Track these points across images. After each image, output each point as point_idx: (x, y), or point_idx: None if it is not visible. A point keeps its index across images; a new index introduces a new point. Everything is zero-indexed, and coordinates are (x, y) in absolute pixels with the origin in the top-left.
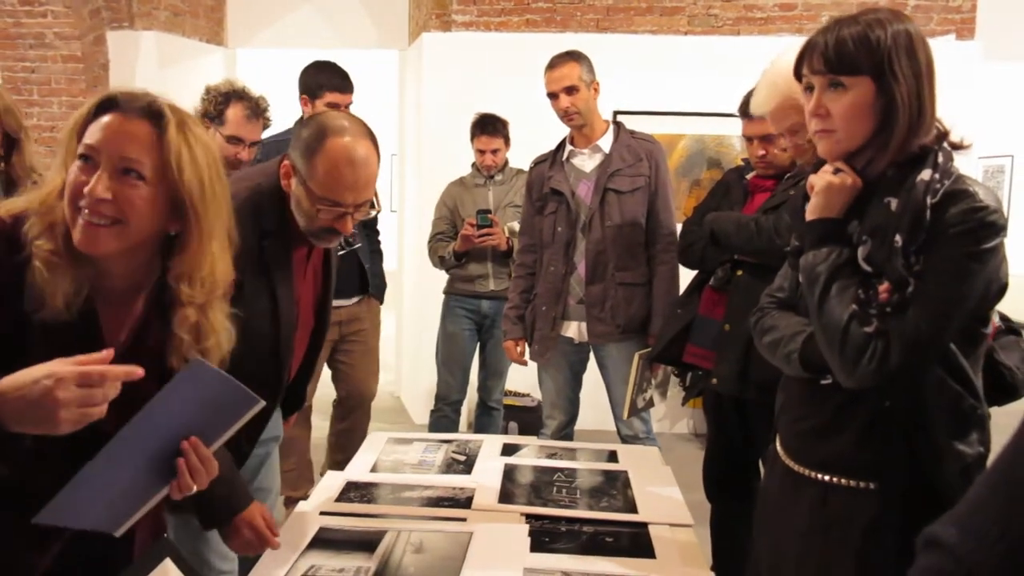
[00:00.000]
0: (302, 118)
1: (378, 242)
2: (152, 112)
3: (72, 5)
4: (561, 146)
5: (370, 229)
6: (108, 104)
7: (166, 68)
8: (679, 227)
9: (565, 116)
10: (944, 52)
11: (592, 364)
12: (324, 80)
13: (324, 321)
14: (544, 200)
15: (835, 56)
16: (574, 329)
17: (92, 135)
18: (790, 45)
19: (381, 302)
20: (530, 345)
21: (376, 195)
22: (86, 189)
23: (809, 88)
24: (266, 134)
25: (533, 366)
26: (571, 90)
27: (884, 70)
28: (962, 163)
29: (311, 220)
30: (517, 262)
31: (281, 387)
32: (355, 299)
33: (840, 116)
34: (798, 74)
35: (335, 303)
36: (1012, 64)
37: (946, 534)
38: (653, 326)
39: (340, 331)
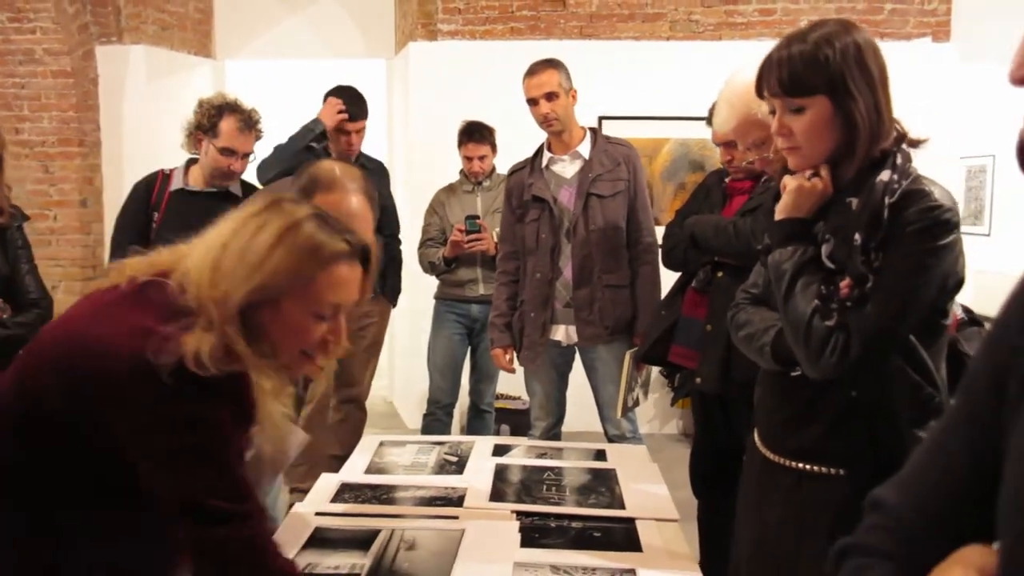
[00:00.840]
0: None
1: (399, 251)
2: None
3: (60, 21)
4: (539, 153)
5: (390, 237)
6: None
7: (155, 81)
8: (658, 229)
9: (544, 122)
10: (920, 55)
11: (577, 365)
12: (328, 93)
13: None
14: (525, 207)
15: (788, 80)
16: (561, 333)
17: (337, 294)
18: (742, 63)
19: (393, 305)
20: (518, 352)
21: (374, 241)
22: (331, 340)
23: (773, 110)
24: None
25: (522, 369)
26: (551, 96)
27: (838, 87)
28: (944, 164)
29: None
30: (500, 269)
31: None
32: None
33: (801, 134)
34: (760, 94)
35: None
36: (988, 65)
37: (887, 496)
38: (639, 326)
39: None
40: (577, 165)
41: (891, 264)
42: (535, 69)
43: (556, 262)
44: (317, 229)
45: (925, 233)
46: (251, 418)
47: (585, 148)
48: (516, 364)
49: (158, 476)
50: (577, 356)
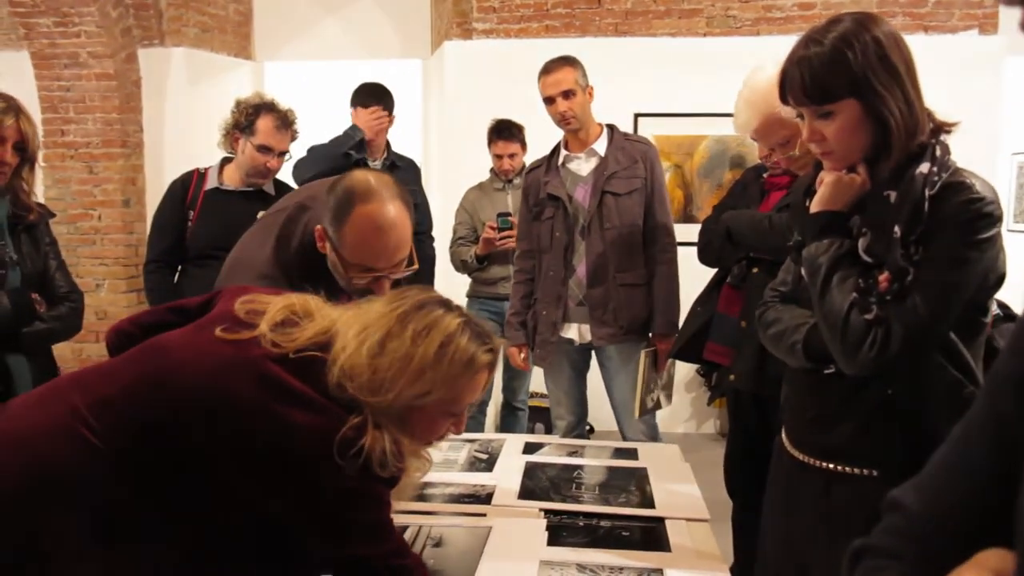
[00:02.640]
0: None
1: (432, 248)
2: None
3: (104, 25)
4: (556, 151)
5: (423, 234)
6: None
7: (196, 83)
8: (695, 227)
9: (562, 120)
10: (967, 48)
11: (595, 363)
12: (355, 98)
13: None
14: (541, 205)
15: (812, 88)
16: (575, 331)
17: (475, 397)
18: (774, 51)
19: None
20: (532, 350)
21: (413, 251)
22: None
23: (801, 115)
24: (296, 146)
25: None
26: (568, 94)
27: (863, 88)
28: (995, 160)
29: (347, 283)
30: (516, 268)
31: None
32: None
33: (833, 139)
34: (785, 100)
35: None
36: None
37: (904, 496)
38: (655, 326)
39: None
40: (593, 163)
41: (932, 257)
42: (551, 67)
43: (569, 260)
44: (470, 342)
45: (967, 226)
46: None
47: (601, 145)
48: (531, 362)
49: (325, 543)
50: (594, 356)
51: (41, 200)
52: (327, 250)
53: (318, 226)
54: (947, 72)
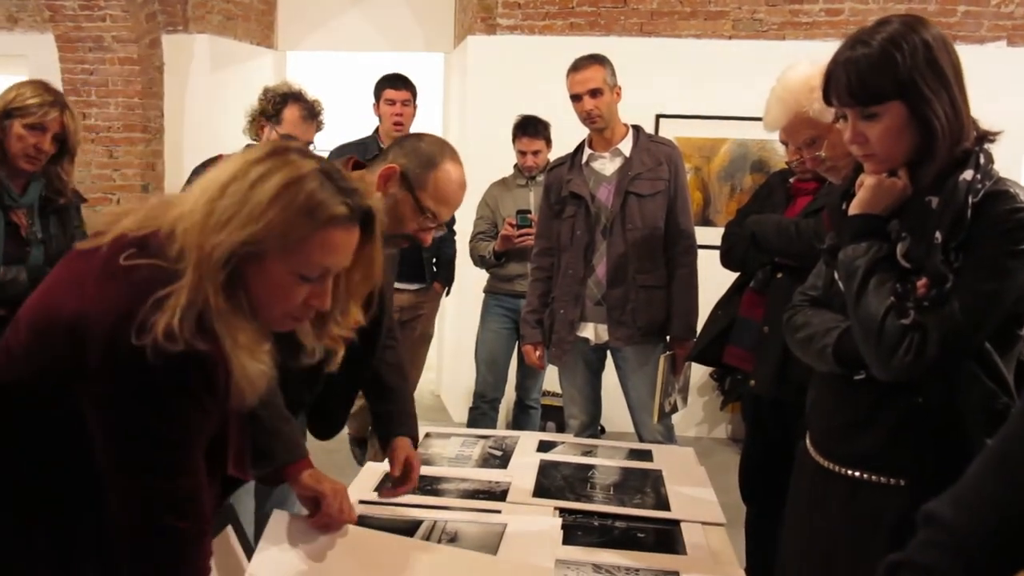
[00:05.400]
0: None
1: (454, 243)
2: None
3: (130, 9)
4: (580, 149)
5: (449, 229)
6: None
7: (218, 70)
8: (712, 230)
9: (588, 119)
10: (995, 59)
11: (610, 364)
12: (380, 85)
13: (369, 348)
14: (562, 204)
15: (858, 88)
16: (591, 331)
17: (326, 257)
18: (795, 60)
19: (446, 291)
20: (548, 348)
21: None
22: (315, 303)
23: (843, 115)
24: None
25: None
26: (595, 93)
27: (910, 91)
28: (1021, 171)
29: (399, 225)
30: (534, 265)
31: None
32: (416, 286)
33: (877, 142)
34: (828, 102)
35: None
36: None
37: (942, 510)
38: (672, 328)
39: (399, 317)
40: (617, 163)
41: (972, 265)
42: (580, 65)
43: (589, 260)
44: (319, 187)
45: (1009, 235)
46: (219, 402)
47: (627, 146)
48: (547, 361)
49: (105, 451)
50: (609, 356)
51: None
52: (391, 189)
53: (389, 165)
54: (975, 83)
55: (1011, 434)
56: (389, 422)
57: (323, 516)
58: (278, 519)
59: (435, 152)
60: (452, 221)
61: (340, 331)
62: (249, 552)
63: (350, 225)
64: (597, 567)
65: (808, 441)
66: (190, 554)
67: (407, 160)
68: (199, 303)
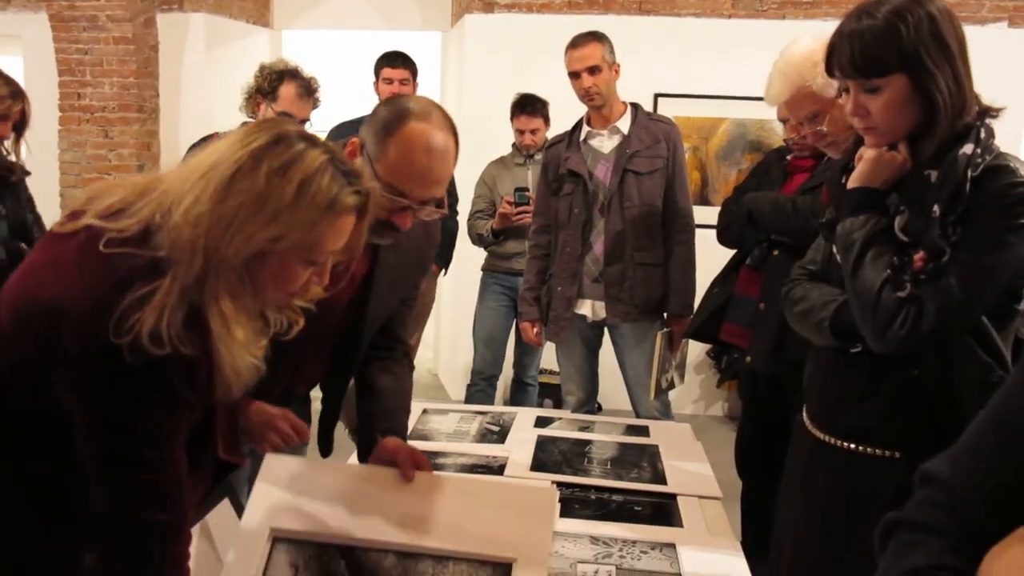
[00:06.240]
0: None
1: (456, 223)
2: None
3: None
4: (578, 127)
5: (449, 209)
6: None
7: (213, 49)
8: (710, 209)
9: (586, 96)
10: (995, 40)
11: (607, 341)
12: (380, 63)
13: (359, 330)
14: (560, 181)
15: (861, 60)
16: (588, 308)
17: (337, 242)
18: (798, 35)
19: (443, 270)
20: (545, 325)
21: (445, 197)
22: (315, 281)
23: (846, 88)
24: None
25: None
26: (594, 70)
27: (914, 64)
28: (1019, 152)
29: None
30: (531, 243)
31: (285, 394)
32: None
33: (878, 114)
34: (831, 73)
35: None
36: None
37: (939, 469)
38: (670, 306)
39: None
40: (615, 140)
41: (970, 239)
42: (578, 41)
43: (587, 237)
44: (333, 180)
45: (1008, 210)
46: (200, 397)
47: (625, 123)
48: (544, 338)
49: (88, 442)
50: (606, 333)
51: (55, 163)
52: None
53: (353, 138)
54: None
55: (1008, 394)
56: (375, 421)
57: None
58: (272, 461)
59: (397, 115)
60: (455, 199)
61: (301, 302)
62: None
63: (356, 212)
64: (595, 539)
65: (805, 414)
66: (169, 546)
67: (368, 128)
68: (194, 301)
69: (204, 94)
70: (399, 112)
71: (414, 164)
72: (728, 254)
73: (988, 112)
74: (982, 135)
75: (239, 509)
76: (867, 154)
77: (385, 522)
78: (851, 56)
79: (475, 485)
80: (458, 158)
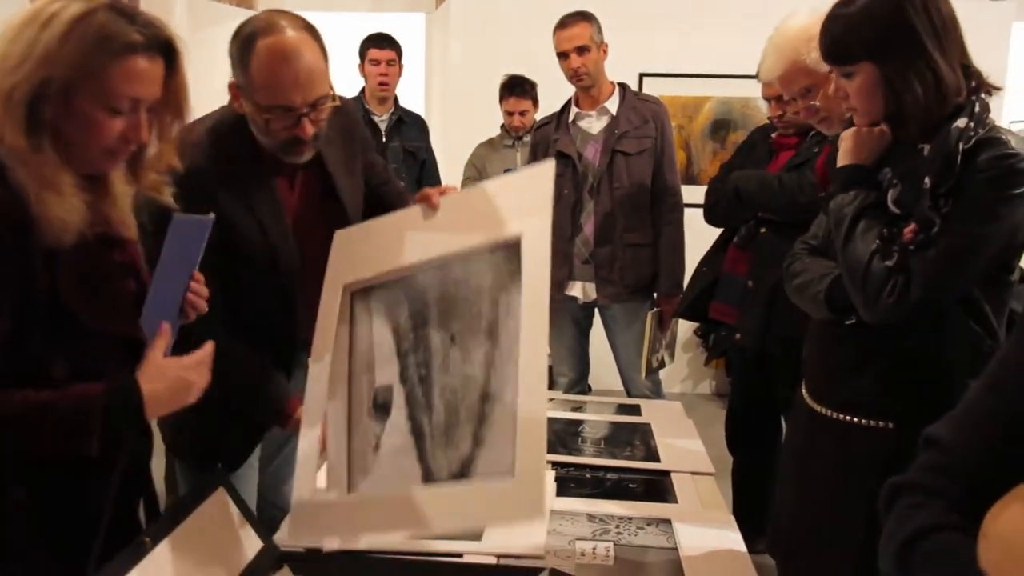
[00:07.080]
0: None
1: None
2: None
3: None
4: (566, 108)
5: (428, 175)
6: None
7: (197, 32)
8: (696, 188)
9: (574, 76)
10: (975, 11)
11: (597, 322)
12: (364, 45)
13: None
14: None
15: (832, 49)
16: (579, 289)
17: (133, 87)
18: (795, 9)
19: None
20: None
21: (332, 88)
22: (131, 135)
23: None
24: None
25: None
26: (582, 50)
27: (879, 56)
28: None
29: (268, 134)
30: None
31: (295, 328)
32: None
33: (854, 98)
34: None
35: None
36: None
37: (940, 433)
38: (659, 286)
39: None
40: (604, 121)
41: (960, 210)
42: (567, 22)
43: (577, 218)
44: (110, 19)
45: (998, 181)
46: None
47: (613, 104)
48: None
49: None
50: (597, 314)
51: None
52: (244, 107)
53: (230, 80)
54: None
55: (1003, 360)
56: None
57: None
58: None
59: (245, 42)
60: (437, 182)
61: (156, 176)
62: (246, 513)
63: (149, 54)
64: (592, 517)
65: (803, 388)
66: None
67: (233, 67)
68: None
69: (189, 76)
70: (245, 38)
71: (280, 78)
72: (715, 232)
73: (983, 87)
74: (976, 109)
75: (240, 508)
76: (845, 133)
77: (424, 246)
78: (826, 42)
79: (479, 189)
80: (324, 49)
